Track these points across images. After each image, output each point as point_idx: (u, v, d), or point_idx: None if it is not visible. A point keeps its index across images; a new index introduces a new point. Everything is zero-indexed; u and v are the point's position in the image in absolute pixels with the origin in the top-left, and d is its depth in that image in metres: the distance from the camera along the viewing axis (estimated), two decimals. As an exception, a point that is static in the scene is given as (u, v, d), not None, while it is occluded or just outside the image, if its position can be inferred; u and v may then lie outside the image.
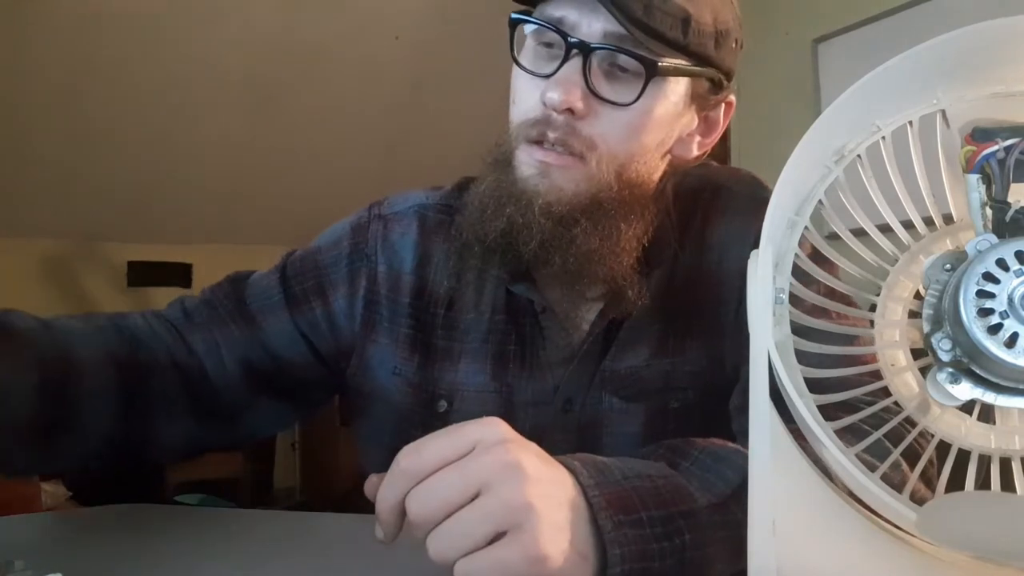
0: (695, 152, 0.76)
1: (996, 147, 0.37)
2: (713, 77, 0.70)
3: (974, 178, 0.37)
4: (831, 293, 0.44)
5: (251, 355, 0.78)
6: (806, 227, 0.40)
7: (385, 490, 0.47)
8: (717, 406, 0.75)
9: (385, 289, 0.79)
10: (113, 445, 0.70)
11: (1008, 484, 0.36)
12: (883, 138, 0.40)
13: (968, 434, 0.37)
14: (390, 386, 0.79)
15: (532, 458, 0.47)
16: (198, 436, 0.77)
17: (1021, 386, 0.35)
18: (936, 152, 0.39)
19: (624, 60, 0.66)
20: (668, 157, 0.74)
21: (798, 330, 0.40)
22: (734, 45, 0.71)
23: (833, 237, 0.42)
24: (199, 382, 0.76)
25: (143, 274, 4.49)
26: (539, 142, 0.67)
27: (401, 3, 3.40)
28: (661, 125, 0.69)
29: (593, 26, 0.65)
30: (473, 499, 0.45)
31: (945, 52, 0.38)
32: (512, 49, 0.70)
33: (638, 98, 0.66)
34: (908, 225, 0.39)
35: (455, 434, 0.47)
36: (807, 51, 2.83)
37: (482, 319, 0.77)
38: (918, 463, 0.38)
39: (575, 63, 0.65)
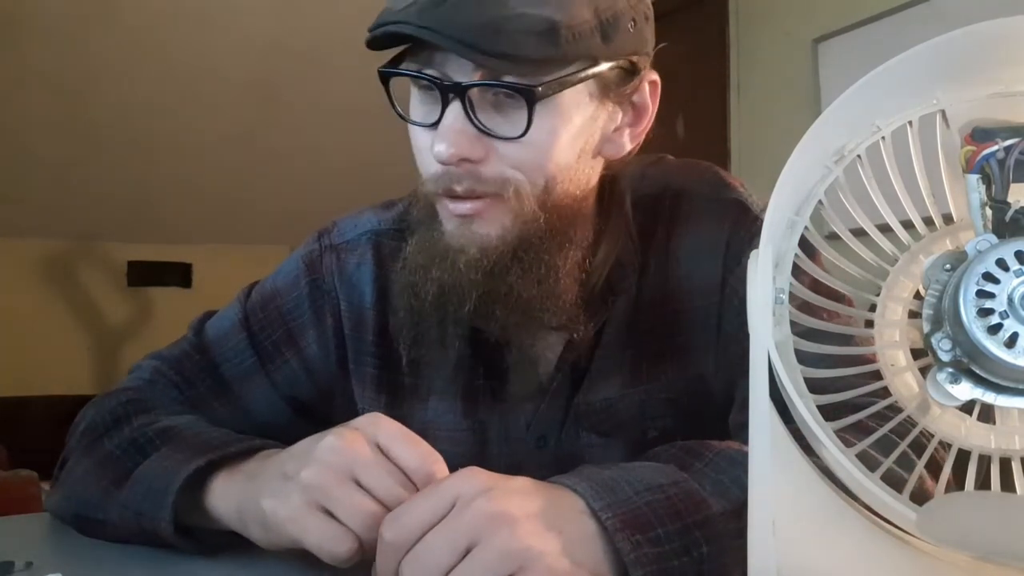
0: (629, 146, 0.69)
1: (996, 147, 0.37)
2: (618, 67, 0.63)
3: (974, 178, 0.37)
4: (815, 285, 0.42)
5: (239, 428, 0.74)
6: (806, 227, 0.40)
7: (379, 567, 0.47)
8: (699, 429, 0.70)
9: (349, 327, 0.76)
10: None
11: (1008, 484, 0.36)
12: (883, 138, 0.40)
13: (968, 434, 0.37)
14: None
15: (517, 500, 0.46)
16: None
17: (1021, 386, 0.35)
18: (936, 152, 0.39)
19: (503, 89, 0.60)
20: (600, 159, 0.68)
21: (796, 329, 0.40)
22: (631, 26, 0.62)
23: (833, 237, 0.42)
24: None
25: (143, 274, 4.50)
26: (450, 195, 0.62)
27: (401, 3, 3.40)
28: (574, 137, 0.63)
29: (464, 61, 0.59)
30: (465, 555, 0.44)
31: (945, 52, 0.38)
32: (392, 100, 0.63)
33: (528, 128, 0.59)
34: (908, 225, 0.39)
35: (433, 494, 0.47)
36: (807, 51, 2.83)
37: (447, 354, 0.72)
38: (920, 463, 0.38)
39: (457, 106, 0.59)
